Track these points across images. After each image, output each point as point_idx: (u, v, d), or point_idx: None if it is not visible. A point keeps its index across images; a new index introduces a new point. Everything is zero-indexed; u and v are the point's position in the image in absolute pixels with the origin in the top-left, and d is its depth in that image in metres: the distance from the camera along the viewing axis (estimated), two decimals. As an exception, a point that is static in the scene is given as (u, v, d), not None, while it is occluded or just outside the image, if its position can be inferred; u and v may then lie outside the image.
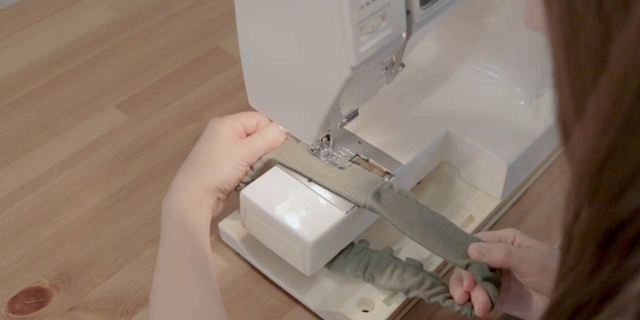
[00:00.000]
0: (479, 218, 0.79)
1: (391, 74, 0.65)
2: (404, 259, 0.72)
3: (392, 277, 0.71)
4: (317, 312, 0.73)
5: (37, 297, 0.76)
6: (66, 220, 0.83)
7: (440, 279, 0.70)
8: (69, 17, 1.08)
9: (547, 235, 0.81)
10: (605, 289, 0.35)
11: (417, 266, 0.71)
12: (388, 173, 0.73)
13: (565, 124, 0.37)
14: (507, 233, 0.66)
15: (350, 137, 0.76)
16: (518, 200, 0.85)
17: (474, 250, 0.64)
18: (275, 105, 0.70)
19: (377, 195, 0.69)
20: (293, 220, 0.69)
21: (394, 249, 0.76)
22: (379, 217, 0.74)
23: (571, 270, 0.37)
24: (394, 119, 0.80)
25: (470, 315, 0.65)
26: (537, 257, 0.62)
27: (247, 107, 0.74)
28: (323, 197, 0.70)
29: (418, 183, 0.81)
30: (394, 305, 0.71)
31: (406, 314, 0.75)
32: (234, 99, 0.97)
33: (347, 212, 0.69)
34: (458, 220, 0.79)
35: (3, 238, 0.81)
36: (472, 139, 0.78)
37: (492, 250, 0.63)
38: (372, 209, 0.68)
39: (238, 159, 0.72)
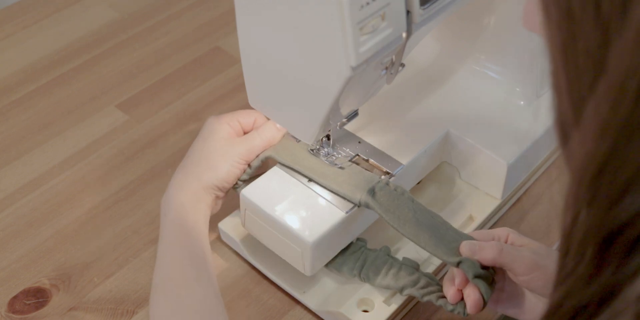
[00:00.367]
0: (479, 218, 0.79)
1: (391, 74, 0.65)
2: (401, 258, 0.72)
3: (387, 275, 0.71)
4: (317, 312, 0.73)
5: (37, 297, 0.76)
6: (66, 220, 0.83)
7: (436, 279, 0.70)
8: (69, 17, 1.08)
9: (546, 235, 0.81)
10: (605, 292, 0.35)
11: (413, 266, 0.71)
12: (388, 173, 0.73)
13: (564, 127, 0.37)
14: (501, 232, 0.66)
15: (350, 137, 0.76)
16: (518, 200, 0.85)
17: (465, 247, 0.64)
18: (275, 105, 0.70)
19: (373, 192, 0.69)
20: (293, 220, 0.69)
21: (394, 248, 0.76)
22: (379, 217, 0.74)
23: (570, 273, 0.37)
24: (394, 119, 0.80)
25: (464, 314, 0.64)
26: (529, 255, 0.62)
27: (247, 107, 0.74)
28: (323, 197, 0.70)
29: (418, 183, 0.81)
30: (394, 305, 0.71)
31: (406, 314, 0.75)
32: (234, 99, 0.97)
33: (347, 212, 0.69)
34: (458, 220, 0.79)
35: (3, 238, 0.81)
36: (472, 139, 0.78)
37: (483, 248, 0.63)
38: (366, 206, 0.69)
39: (236, 157, 0.72)
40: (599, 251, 0.35)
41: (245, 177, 0.74)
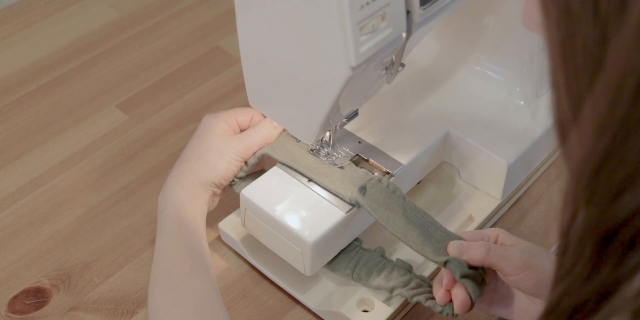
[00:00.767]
0: (479, 218, 0.79)
1: (391, 74, 0.65)
2: (395, 260, 0.72)
3: (379, 276, 0.71)
4: (317, 312, 0.73)
5: (37, 297, 0.76)
6: (66, 220, 0.83)
7: (428, 281, 0.70)
8: (69, 17, 1.08)
9: (546, 235, 0.81)
10: (603, 290, 0.35)
11: (405, 267, 0.71)
12: (388, 173, 0.73)
13: (563, 125, 0.37)
14: (490, 232, 0.66)
15: (350, 137, 0.76)
16: (518, 200, 0.85)
17: (453, 247, 0.64)
18: (275, 105, 0.70)
19: (364, 189, 0.69)
20: (293, 220, 0.69)
21: (393, 249, 0.76)
22: (379, 217, 0.74)
23: (568, 272, 0.37)
24: (394, 119, 0.80)
25: (452, 315, 0.64)
26: (518, 255, 0.61)
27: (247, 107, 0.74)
28: (323, 197, 0.70)
29: (418, 183, 0.81)
30: (394, 306, 0.71)
31: (406, 314, 0.75)
32: (234, 99, 0.97)
33: (347, 212, 0.69)
34: (458, 220, 0.79)
35: (3, 238, 0.81)
36: (472, 139, 0.78)
37: (471, 247, 0.63)
38: (356, 203, 0.69)
39: (233, 154, 0.73)
40: (597, 249, 0.35)
41: (241, 174, 0.74)
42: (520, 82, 0.82)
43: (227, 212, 0.79)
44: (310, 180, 0.72)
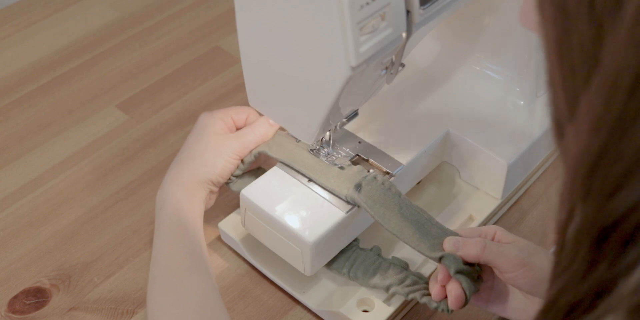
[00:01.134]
0: (479, 218, 0.79)
1: (391, 74, 0.65)
2: (390, 258, 0.72)
3: (375, 275, 0.71)
4: (317, 312, 0.73)
5: (37, 297, 0.76)
6: (66, 220, 0.83)
7: (425, 278, 0.70)
8: (69, 17, 1.08)
9: (546, 235, 0.81)
10: (599, 287, 0.36)
11: (401, 265, 0.71)
12: (388, 173, 0.73)
13: (559, 123, 0.37)
14: (488, 229, 0.66)
15: (350, 137, 0.76)
16: (518, 200, 0.85)
17: (449, 243, 0.64)
18: (275, 105, 0.70)
19: (359, 186, 0.69)
20: (293, 220, 0.69)
21: (392, 249, 0.76)
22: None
23: (565, 269, 0.37)
24: (394, 119, 0.80)
25: (447, 311, 0.64)
26: (514, 252, 0.61)
27: (247, 107, 0.74)
28: (323, 197, 0.70)
29: (418, 183, 0.81)
30: (394, 306, 0.71)
31: (406, 314, 0.75)
32: (234, 99, 0.97)
33: (347, 212, 0.69)
34: (458, 220, 0.79)
35: (3, 238, 0.81)
36: (472, 139, 0.78)
37: (467, 243, 0.63)
38: (352, 201, 0.69)
39: (230, 153, 0.73)
40: (593, 246, 0.35)
41: (238, 172, 0.75)
42: (520, 82, 0.82)
43: (227, 212, 0.79)
44: (310, 180, 0.72)
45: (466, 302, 0.63)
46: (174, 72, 1.01)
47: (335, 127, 0.71)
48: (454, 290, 0.63)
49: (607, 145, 0.33)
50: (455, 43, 0.85)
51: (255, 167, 0.79)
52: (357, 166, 0.72)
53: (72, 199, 0.85)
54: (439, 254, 0.64)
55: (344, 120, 0.71)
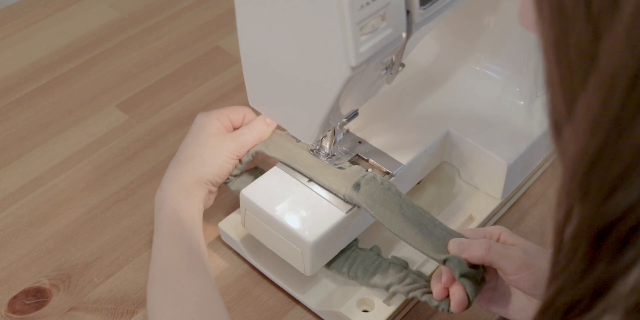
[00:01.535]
0: (479, 218, 0.79)
1: (391, 74, 0.65)
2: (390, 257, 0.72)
3: (375, 274, 0.71)
4: (317, 312, 0.73)
5: (37, 297, 0.76)
6: (66, 220, 0.83)
7: (425, 276, 0.69)
8: (69, 17, 1.08)
9: (545, 235, 0.81)
10: (597, 287, 0.36)
11: (401, 264, 0.71)
12: (388, 173, 0.73)
13: (557, 123, 0.37)
14: (493, 230, 0.66)
15: (350, 137, 0.76)
16: (518, 200, 0.85)
17: (453, 245, 0.64)
18: (275, 105, 0.70)
19: (358, 186, 0.69)
20: (293, 220, 0.69)
21: (392, 249, 0.76)
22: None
23: (563, 269, 0.37)
24: (394, 119, 0.80)
25: (448, 310, 0.64)
26: (519, 254, 0.61)
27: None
28: (323, 197, 0.70)
29: (418, 183, 0.81)
30: (394, 306, 0.71)
31: (406, 314, 0.75)
32: (234, 99, 0.97)
33: (347, 212, 0.69)
34: (458, 220, 0.79)
35: (3, 238, 0.81)
36: (472, 139, 0.78)
37: (472, 245, 0.63)
38: (351, 200, 0.69)
39: (228, 152, 0.73)
40: (591, 246, 0.35)
41: (236, 172, 0.75)
42: (519, 82, 0.82)
43: (227, 212, 0.79)
44: (310, 180, 0.72)
45: (468, 305, 0.63)
46: (174, 72, 1.01)
47: (335, 127, 0.71)
48: (457, 293, 0.62)
49: (604, 145, 0.33)
50: (455, 43, 0.85)
51: (253, 167, 0.79)
52: (356, 166, 0.72)
53: (72, 199, 0.85)
54: (443, 257, 0.63)
55: (344, 120, 0.71)
